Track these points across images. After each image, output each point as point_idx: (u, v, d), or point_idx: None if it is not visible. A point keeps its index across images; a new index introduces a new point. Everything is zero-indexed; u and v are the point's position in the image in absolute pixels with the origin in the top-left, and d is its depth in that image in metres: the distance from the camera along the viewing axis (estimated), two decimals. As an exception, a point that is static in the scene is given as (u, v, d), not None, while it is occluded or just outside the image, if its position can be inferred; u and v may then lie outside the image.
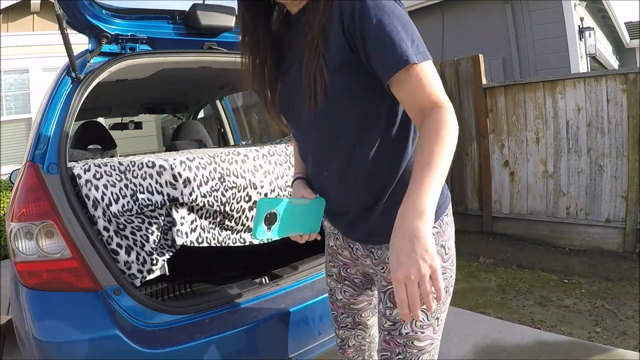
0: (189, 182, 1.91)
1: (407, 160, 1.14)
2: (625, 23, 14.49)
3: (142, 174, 1.85)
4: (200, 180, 1.95)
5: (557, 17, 8.01)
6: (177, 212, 1.92)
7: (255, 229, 1.09)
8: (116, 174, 1.81)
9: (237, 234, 2.15)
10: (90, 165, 1.77)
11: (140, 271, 1.85)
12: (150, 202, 1.84)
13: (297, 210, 1.17)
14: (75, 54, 1.88)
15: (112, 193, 1.77)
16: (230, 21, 2.39)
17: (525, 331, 3.05)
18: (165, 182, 1.88)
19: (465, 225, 5.59)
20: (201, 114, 5.81)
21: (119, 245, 1.80)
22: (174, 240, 1.91)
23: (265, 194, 2.15)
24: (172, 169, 1.90)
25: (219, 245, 2.08)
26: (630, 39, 14.85)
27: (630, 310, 3.28)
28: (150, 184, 1.85)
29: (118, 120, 4.62)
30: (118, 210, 1.77)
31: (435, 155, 0.92)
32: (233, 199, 2.04)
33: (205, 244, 2.02)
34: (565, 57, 7.99)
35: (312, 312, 2.03)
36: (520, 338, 2.92)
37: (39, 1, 7.74)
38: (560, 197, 4.83)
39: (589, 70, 8.44)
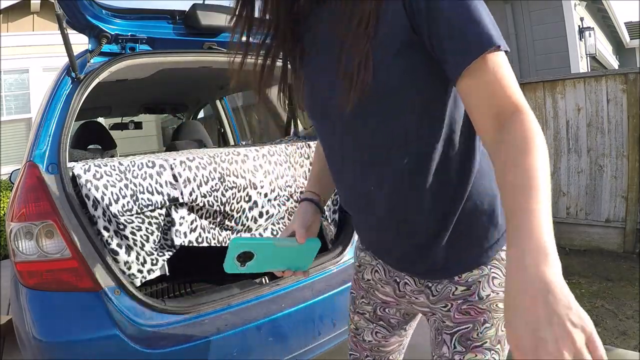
0: (189, 182, 1.91)
1: (473, 177, 0.91)
2: (625, 23, 14.49)
3: (142, 174, 1.85)
4: (200, 180, 1.95)
5: (557, 17, 7.99)
6: (177, 212, 1.92)
7: (226, 264, 0.95)
8: (116, 174, 1.81)
9: (237, 234, 2.15)
10: (90, 165, 1.77)
11: (140, 271, 1.85)
12: (150, 202, 1.84)
13: (281, 251, 0.99)
14: (75, 54, 1.88)
15: (112, 193, 1.77)
16: (230, 21, 2.39)
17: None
18: (165, 182, 1.88)
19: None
20: (201, 114, 5.80)
21: (119, 245, 1.80)
22: (173, 241, 1.91)
23: (265, 194, 2.15)
24: (172, 169, 1.90)
25: (219, 245, 2.08)
26: (630, 39, 14.84)
27: (630, 310, 3.28)
28: (150, 184, 1.85)
29: (118, 120, 4.62)
30: (118, 210, 1.77)
31: (533, 171, 0.66)
32: (233, 199, 2.04)
33: (205, 244, 2.02)
34: (565, 57, 7.98)
35: (311, 313, 2.03)
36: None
37: (39, 1, 7.74)
38: (560, 197, 4.83)
39: (589, 70, 8.43)
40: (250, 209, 2.12)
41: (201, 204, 1.96)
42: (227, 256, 0.93)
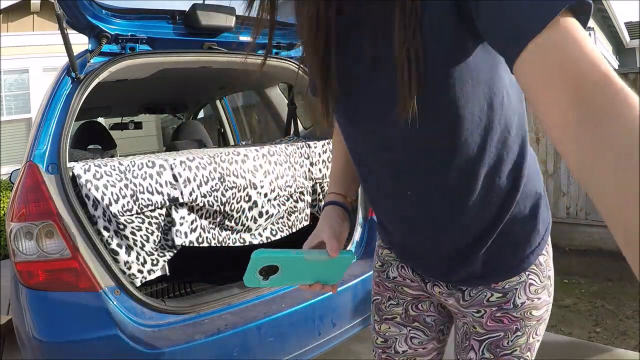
0: (189, 182, 1.91)
1: (523, 182, 0.83)
2: (625, 23, 14.50)
3: (142, 174, 1.85)
4: (200, 180, 1.95)
5: (557, 17, 8.00)
6: (177, 212, 1.92)
7: (246, 278, 0.84)
8: (116, 174, 1.81)
9: (237, 234, 2.16)
10: (90, 166, 1.77)
11: (140, 271, 1.85)
12: (150, 202, 1.84)
13: (310, 264, 0.87)
14: (75, 54, 1.88)
15: (112, 193, 1.77)
16: (230, 21, 2.39)
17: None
18: (166, 182, 1.88)
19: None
20: (201, 114, 5.81)
21: (119, 245, 1.80)
22: (174, 241, 1.91)
23: (265, 194, 2.15)
24: (172, 169, 1.90)
25: (219, 245, 2.08)
26: (630, 39, 14.85)
27: (630, 310, 3.28)
28: (150, 184, 1.85)
29: (118, 120, 4.62)
30: (118, 211, 1.77)
31: None
32: (233, 199, 2.05)
33: (205, 244, 2.02)
34: (565, 57, 7.98)
35: (312, 312, 2.02)
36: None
37: (39, 1, 7.75)
38: (560, 197, 4.83)
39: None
40: (250, 209, 2.13)
41: (201, 204, 1.96)
42: (248, 270, 0.83)
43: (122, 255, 1.80)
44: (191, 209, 1.97)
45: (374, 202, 0.97)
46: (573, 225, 4.76)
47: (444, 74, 0.70)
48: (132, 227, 1.82)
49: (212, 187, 1.98)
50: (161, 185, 1.87)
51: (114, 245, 1.79)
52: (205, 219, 2.03)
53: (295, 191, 2.32)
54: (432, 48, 0.67)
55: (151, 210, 1.87)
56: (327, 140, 2.51)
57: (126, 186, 1.81)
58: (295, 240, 2.34)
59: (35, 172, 1.71)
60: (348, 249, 0.83)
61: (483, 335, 0.92)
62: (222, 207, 2.02)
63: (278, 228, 2.31)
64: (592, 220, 4.63)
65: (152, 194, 1.85)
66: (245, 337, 1.84)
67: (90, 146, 3.45)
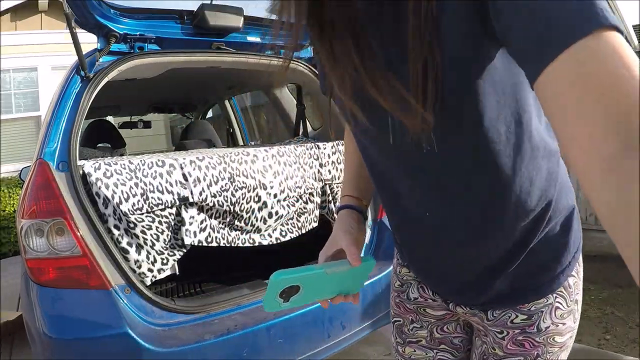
0: (199, 181, 1.91)
1: (555, 198, 0.76)
2: (633, 26, 14.44)
3: (152, 173, 1.85)
4: (210, 179, 1.95)
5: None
6: (187, 211, 1.92)
7: (266, 303, 0.78)
8: (126, 173, 1.81)
9: (246, 234, 2.15)
10: (100, 164, 1.77)
11: (150, 270, 1.85)
12: (160, 201, 1.84)
13: (332, 277, 0.82)
14: (84, 52, 1.88)
15: (122, 192, 1.77)
16: (238, 21, 2.39)
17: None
18: (175, 181, 1.88)
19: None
20: (210, 114, 5.81)
21: (129, 244, 1.80)
22: (183, 240, 1.91)
23: (275, 195, 2.14)
24: (182, 168, 1.90)
25: (229, 245, 2.08)
26: (639, 42, 14.78)
27: (630, 309, 3.25)
28: (160, 183, 1.85)
29: (127, 119, 4.63)
30: (128, 209, 1.77)
31: None
32: (243, 199, 2.04)
33: (214, 244, 2.02)
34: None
35: (322, 314, 2.02)
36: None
37: (47, 0, 7.78)
38: (568, 201, 4.80)
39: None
40: (260, 209, 2.12)
41: (211, 204, 1.95)
42: (267, 294, 0.76)
43: (133, 254, 1.80)
44: (201, 209, 1.97)
45: (389, 213, 0.89)
46: (583, 230, 4.66)
47: (464, 86, 0.62)
48: (142, 226, 1.82)
49: (222, 187, 1.98)
50: (171, 185, 1.87)
51: (124, 244, 1.79)
52: (215, 218, 2.03)
53: (304, 192, 2.31)
54: (451, 56, 0.60)
55: (161, 210, 1.86)
56: (336, 142, 2.50)
57: (136, 185, 1.81)
58: (304, 241, 2.34)
59: (45, 169, 1.71)
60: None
61: (502, 358, 0.87)
62: (231, 207, 2.02)
63: (288, 229, 2.30)
64: (602, 225, 4.60)
65: (162, 193, 1.85)
66: (255, 338, 1.84)
67: (99, 144, 3.47)
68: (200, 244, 1.96)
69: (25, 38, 7.59)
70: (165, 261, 1.90)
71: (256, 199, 2.09)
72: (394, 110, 0.65)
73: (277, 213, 2.19)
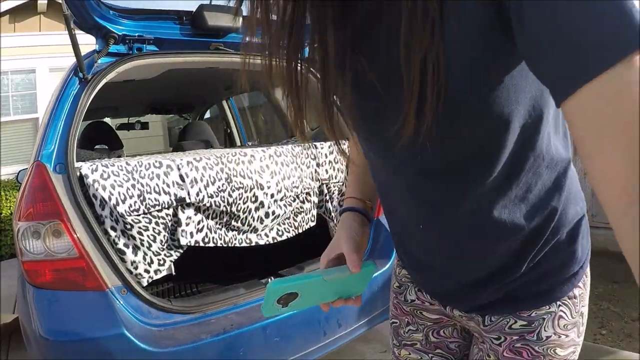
0: (196, 182, 1.92)
1: (562, 206, 0.72)
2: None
3: (149, 174, 1.86)
4: (207, 180, 1.95)
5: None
6: (184, 212, 1.93)
7: (264, 308, 0.78)
8: (123, 174, 1.81)
9: (243, 234, 2.16)
10: (97, 166, 1.78)
11: (147, 271, 1.86)
12: (157, 202, 1.85)
13: (330, 284, 0.80)
14: (82, 54, 1.89)
15: (119, 193, 1.78)
16: (237, 22, 2.39)
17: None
18: (172, 182, 1.89)
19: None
20: (207, 115, 5.82)
21: (126, 245, 1.81)
22: (180, 241, 1.92)
23: (272, 195, 2.15)
24: (179, 169, 1.90)
25: (226, 245, 2.09)
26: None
27: (635, 312, 3.26)
28: (157, 184, 1.86)
29: (125, 120, 4.63)
30: (125, 210, 1.78)
31: None
32: (240, 199, 2.05)
33: (211, 244, 2.03)
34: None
35: (317, 313, 2.02)
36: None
37: (46, 1, 7.78)
38: (566, 199, 4.81)
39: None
40: (257, 209, 2.13)
41: (208, 204, 1.96)
42: (265, 300, 0.77)
43: (129, 255, 1.81)
44: (198, 209, 1.98)
45: (387, 219, 0.88)
46: (579, 227, 4.74)
47: (470, 93, 0.57)
48: (139, 227, 1.83)
49: (219, 187, 1.98)
50: (168, 186, 1.88)
51: (121, 245, 1.79)
52: (212, 219, 2.04)
53: (301, 192, 2.32)
54: (455, 57, 0.54)
55: (158, 210, 1.87)
56: (333, 141, 2.50)
57: (133, 186, 1.81)
58: (302, 239, 2.35)
59: (42, 171, 1.72)
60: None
61: None
62: (228, 208, 2.02)
63: (284, 229, 2.31)
64: (598, 222, 4.61)
65: (159, 194, 1.86)
66: (251, 337, 1.84)
67: (97, 146, 3.47)
68: (197, 245, 1.97)
69: (23, 40, 7.58)
70: (162, 262, 1.90)
71: (253, 199, 2.10)
72: (385, 116, 0.64)
73: (274, 213, 2.19)
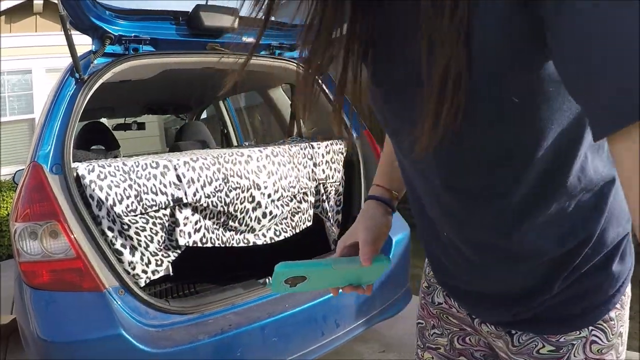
0: (193, 182, 1.92)
1: (599, 226, 0.66)
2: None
3: (146, 175, 1.85)
4: (204, 180, 1.95)
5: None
6: (181, 212, 1.92)
7: (273, 287, 0.77)
8: (120, 175, 1.81)
9: (240, 234, 2.16)
10: (94, 166, 1.78)
11: (144, 271, 1.85)
12: (154, 203, 1.85)
13: (339, 272, 0.79)
14: (78, 54, 1.89)
15: (116, 193, 1.77)
16: (233, 22, 2.39)
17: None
18: (169, 182, 1.89)
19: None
20: (204, 115, 5.81)
21: (123, 246, 1.81)
22: (178, 241, 1.91)
23: (269, 195, 2.15)
24: (176, 169, 1.90)
25: (223, 245, 2.09)
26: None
27: (631, 311, 3.25)
28: (154, 184, 1.86)
29: (121, 120, 4.63)
30: (122, 211, 1.78)
31: None
32: (237, 199, 2.05)
33: (209, 245, 2.03)
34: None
35: (315, 313, 2.03)
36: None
37: (42, 2, 7.77)
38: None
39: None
40: (254, 209, 2.13)
41: (205, 205, 1.96)
42: (272, 280, 0.76)
43: (127, 256, 1.80)
44: (195, 210, 1.98)
45: (416, 212, 0.82)
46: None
47: (497, 111, 0.53)
48: (136, 228, 1.83)
49: (216, 187, 1.98)
50: (165, 186, 1.87)
51: (118, 246, 1.79)
52: (209, 219, 2.04)
53: (298, 192, 2.32)
54: (481, 66, 0.50)
55: (155, 211, 1.87)
56: (330, 141, 2.51)
57: (130, 187, 1.81)
58: (299, 238, 2.35)
59: (39, 172, 1.71)
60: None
61: None
62: (225, 208, 2.02)
63: (282, 229, 2.31)
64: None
65: (156, 194, 1.85)
66: (249, 338, 1.84)
67: (93, 147, 3.46)
68: (194, 245, 1.97)
69: (19, 40, 7.57)
70: (159, 262, 1.90)
71: (250, 199, 2.10)
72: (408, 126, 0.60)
73: (271, 213, 2.19)
